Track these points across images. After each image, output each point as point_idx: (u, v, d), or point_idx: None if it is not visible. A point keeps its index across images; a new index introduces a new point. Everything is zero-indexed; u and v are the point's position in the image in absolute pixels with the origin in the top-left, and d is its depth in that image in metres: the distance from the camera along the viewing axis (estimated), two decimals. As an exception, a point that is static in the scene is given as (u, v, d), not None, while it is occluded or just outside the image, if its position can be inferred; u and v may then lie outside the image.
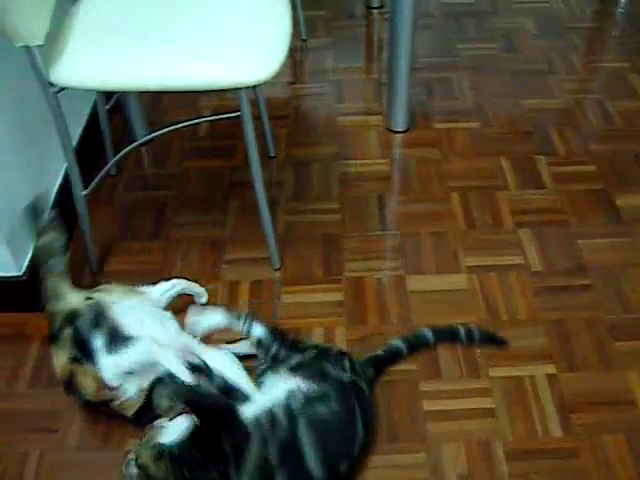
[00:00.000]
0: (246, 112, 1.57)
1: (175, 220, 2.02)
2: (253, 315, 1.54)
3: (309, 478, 1.33)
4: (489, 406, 1.57)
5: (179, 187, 2.13)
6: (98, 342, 1.48)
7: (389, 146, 2.26)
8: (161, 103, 2.44)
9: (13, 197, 1.73)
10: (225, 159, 2.22)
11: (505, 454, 1.49)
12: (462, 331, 1.67)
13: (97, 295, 1.57)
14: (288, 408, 1.35)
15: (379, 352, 1.62)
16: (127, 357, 1.46)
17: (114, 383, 1.48)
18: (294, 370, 1.43)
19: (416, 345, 1.65)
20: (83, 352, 1.49)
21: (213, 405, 1.37)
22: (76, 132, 2.07)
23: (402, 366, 1.64)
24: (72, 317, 1.53)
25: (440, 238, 1.94)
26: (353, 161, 2.20)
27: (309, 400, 1.37)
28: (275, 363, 1.47)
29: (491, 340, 1.68)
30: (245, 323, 1.51)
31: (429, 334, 1.66)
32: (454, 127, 2.32)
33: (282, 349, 1.49)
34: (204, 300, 1.78)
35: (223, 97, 2.43)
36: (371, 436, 1.47)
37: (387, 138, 2.29)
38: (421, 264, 1.87)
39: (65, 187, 1.94)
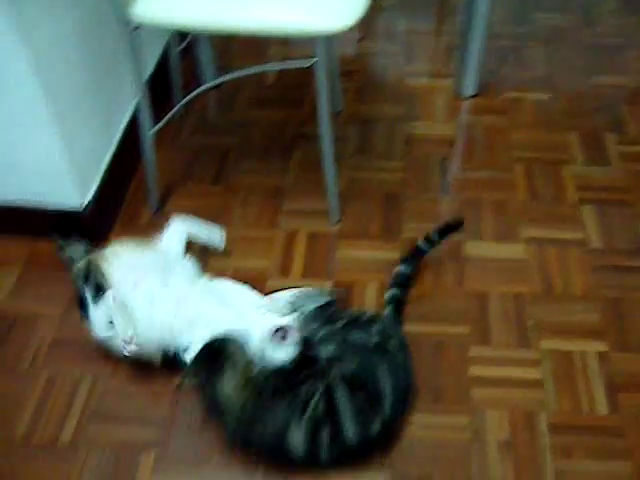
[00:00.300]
0: (321, 61, 1.56)
1: (237, 167, 2.04)
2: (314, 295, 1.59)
3: (343, 436, 1.36)
4: (536, 377, 1.56)
5: (243, 134, 2.14)
6: (88, 296, 1.54)
7: (456, 111, 2.24)
8: (231, 49, 2.45)
9: (84, 131, 1.76)
10: (291, 110, 2.22)
11: (548, 427, 1.48)
12: (422, 243, 1.73)
13: (104, 252, 1.60)
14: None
15: (394, 291, 1.65)
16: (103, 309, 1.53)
17: (103, 334, 1.55)
18: (321, 342, 1.46)
19: (404, 282, 1.69)
20: (82, 308, 1.57)
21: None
22: (146, 71, 2.08)
23: (452, 329, 1.64)
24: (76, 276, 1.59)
25: (500, 207, 1.92)
26: (419, 123, 2.18)
27: (335, 364, 1.41)
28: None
29: (447, 230, 1.73)
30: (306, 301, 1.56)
31: (403, 267, 1.70)
32: (523, 97, 2.28)
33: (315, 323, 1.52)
34: (221, 245, 1.75)
35: (293, 48, 2.43)
36: (404, 395, 1.48)
37: (454, 102, 2.26)
38: (479, 231, 1.86)
39: (131, 126, 1.96)
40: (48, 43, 1.55)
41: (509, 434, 1.47)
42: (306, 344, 1.43)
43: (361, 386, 1.40)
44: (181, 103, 1.83)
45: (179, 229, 1.69)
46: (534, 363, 1.59)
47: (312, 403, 1.35)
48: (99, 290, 1.54)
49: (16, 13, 1.42)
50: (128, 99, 1.98)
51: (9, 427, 1.53)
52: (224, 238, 1.74)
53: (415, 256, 1.72)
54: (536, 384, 1.55)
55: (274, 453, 1.40)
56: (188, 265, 1.64)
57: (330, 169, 1.77)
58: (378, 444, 1.44)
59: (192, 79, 2.22)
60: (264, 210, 1.91)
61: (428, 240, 1.72)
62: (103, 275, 1.54)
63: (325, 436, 1.35)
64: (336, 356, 1.42)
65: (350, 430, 1.36)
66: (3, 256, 1.86)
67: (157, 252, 1.63)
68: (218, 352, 1.43)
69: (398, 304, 1.65)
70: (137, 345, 1.51)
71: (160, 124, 1.78)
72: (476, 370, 1.58)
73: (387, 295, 1.66)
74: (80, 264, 1.59)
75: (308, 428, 1.35)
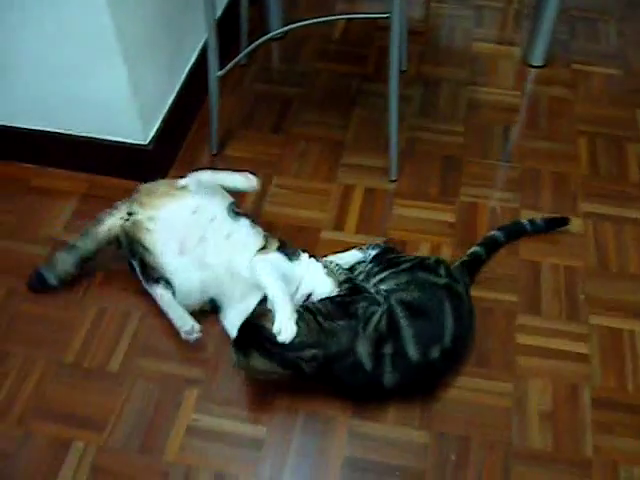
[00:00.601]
0: (396, 16, 1.54)
1: (298, 117, 2.03)
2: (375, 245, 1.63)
3: (405, 354, 1.39)
4: (583, 352, 1.55)
5: (306, 86, 2.14)
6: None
7: (522, 79, 2.20)
8: (299, 1, 2.43)
9: (151, 67, 1.77)
10: (355, 66, 2.20)
11: (592, 401, 1.48)
12: (527, 223, 1.73)
13: (135, 208, 1.58)
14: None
15: (465, 258, 1.65)
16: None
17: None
18: (382, 281, 1.49)
19: (491, 247, 1.70)
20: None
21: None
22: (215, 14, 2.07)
23: (502, 295, 1.64)
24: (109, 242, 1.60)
25: (560, 179, 1.90)
26: (484, 88, 2.16)
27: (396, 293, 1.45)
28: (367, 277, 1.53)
29: (554, 224, 1.74)
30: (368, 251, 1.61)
31: (499, 234, 1.71)
32: (593, 71, 2.24)
33: (376, 267, 1.53)
34: (252, 188, 1.62)
35: (360, 5, 2.40)
36: (465, 335, 1.50)
37: (522, 71, 2.23)
38: (537, 201, 1.84)
39: (197, 66, 1.97)
40: None
41: (551, 405, 1.47)
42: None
43: (422, 313, 1.42)
44: (248, 49, 1.83)
45: (204, 178, 1.60)
46: (582, 337, 1.58)
47: (374, 319, 1.39)
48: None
49: None
50: (196, 39, 1.99)
51: (61, 351, 1.57)
52: (256, 182, 1.61)
53: (514, 231, 1.74)
54: (582, 358, 1.54)
55: (348, 375, 1.41)
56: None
57: (394, 127, 1.76)
58: (438, 374, 1.47)
59: (259, 26, 2.22)
60: (322, 162, 1.91)
61: (533, 223, 1.74)
62: (144, 247, 1.53)
63: (388, 349, 1.38)
64: (398, 289, 1.45)
65: (411, 348, 1.39)
66: (62, 188, 1.89)
67: (196, 204, 1.56)
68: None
69: (474, 262, 1.66)
70: (200, 332, 1.53)
71: (227, 68, 1.79)
72: (523, 339, 1.57)
73: (469, 250, 1.67)
74: (119, 234, 1.58)
75: (372, 340, 1.38)
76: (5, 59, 1.70)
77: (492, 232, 1.72)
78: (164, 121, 1.84)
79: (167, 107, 1.86)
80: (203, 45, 2.00)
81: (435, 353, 1.41)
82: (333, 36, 2.31)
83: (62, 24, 1.57)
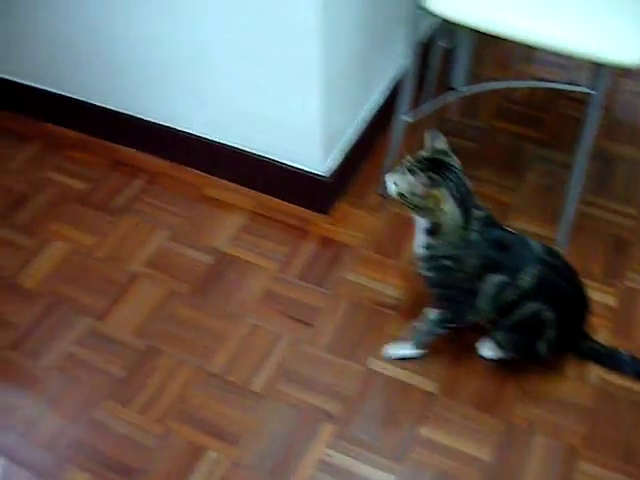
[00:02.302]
0: (600, 94, 1.52)
1: (470, 171, 2.00)
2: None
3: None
4: None
5: (481, 141, 2.13)
6: None
7: None
8: (490, 54, 2.42)
9: (343, 97, 1.81)
10: (533, 129, 2.18)
11: None
12: None
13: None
14: None
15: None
16: None
17: None
18: None
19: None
20: None
21: None
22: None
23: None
24: None
25: None
26: (667, 174, 2.08)
27: None
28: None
29: None
30: None
31: None
32: None
33: None
34: None
35: (546, 67, 2.38)
36: None
37: None
38: None
39: (381, 106, 2.01)
40: None
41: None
42: None
43: None
44: (436, 103, 1.84)
45: None
46: None
47: None
48: None
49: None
50: (385, 78, 2.02)
51: (209, 359, 1.62)
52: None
53: None
54: None
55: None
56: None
57: (572, 199, 1.73)
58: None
59: (443, 73, 2.21)
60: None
61: None
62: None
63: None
64: None
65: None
66: (232, 202, 1.96)
67: None
68: None
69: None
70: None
71: (415, 115, 1.80)
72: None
73: None
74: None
75: None
76: (205, 74, 1.79)
77: None
78: (344, 154, 1.87)
79: (349, 141, 1.90)
80: (390, 85, 2.03)
81: None
82: (515, 96, 2.30)
83: (268, 48, 1.64)
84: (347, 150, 1.89)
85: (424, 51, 2.10)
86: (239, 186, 1.99)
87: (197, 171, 2.04)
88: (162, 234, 1.89)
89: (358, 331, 1.66)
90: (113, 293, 1.76)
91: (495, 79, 2.30)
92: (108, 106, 2.05)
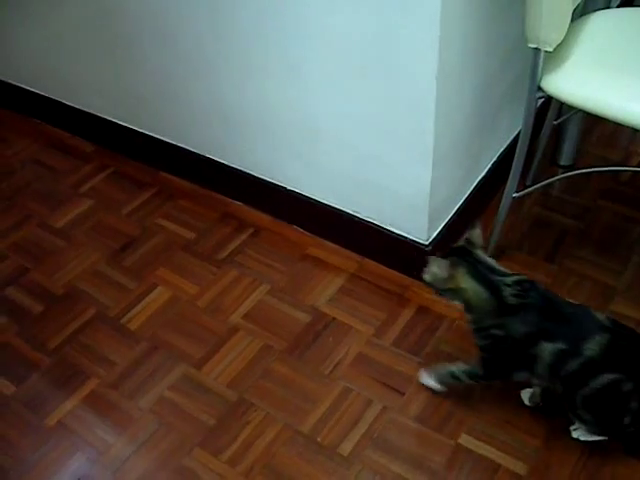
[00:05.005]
0: None
1: (573, 251, 2.00)
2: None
3: None
4: None
5: (586, 220, 2.10)
6: None
7: None
8: (598, 131, 2.41)
9: (452, 170, 1.83)
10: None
11: None
12: None
13: None
14: None
15: None
16: None
17: None
18: None
19: None
20: None
21: None
22: (511, 135, 2.12)
23: None
24: None
25: None
26: None
27: None
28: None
29: None
30: None
31: None
32: None
33: None
34: None
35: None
36: None
37: None
38: None
39: (487, 179, 2.02)
40: (452, 66, 1.59)
41: None
42: None
43: None
44: (545, 182, 1.85)
45: None
46: None
47: None
48: None
49: (440, 16, 1.43)
50: (496, 148, 2.03)
51: (300, 418, 1.64)
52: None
53: None
54: None
55: None
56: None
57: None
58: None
59: (549, 146, 2.20)
60: (589, 304, 1.85)
61: None
62: None
63: None
64: None
65: None
66: (334, 263, 1.99)
67: None
68: None
69: None
70: None
71: (524, 192, 1.81)
72: None
73: None
74: None
75: None
76: (317, 140, 1.85)
77: None
78: (446, 226, 1.89)
79: (453, 212, 1.92)
80: (498, 158, 2.04)
81: None
82: (622, 176, 2.27)
83: (387, 119, 1.67)
84: (451, 221, 1.91)
85: (533, 126, 2.11)
86: (341, 248, 2.02)
87: (301, 229, 2.09)
88: (262, 288, 1.94)
89: (450, 404, 1.65)
90: (211, 343, 1.81)
91: (603, 157, 2.28)
92: (221, 160, 2.14)
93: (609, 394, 1.41)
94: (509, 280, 1.43)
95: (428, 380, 1.65)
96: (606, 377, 1.39)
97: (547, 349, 1.40)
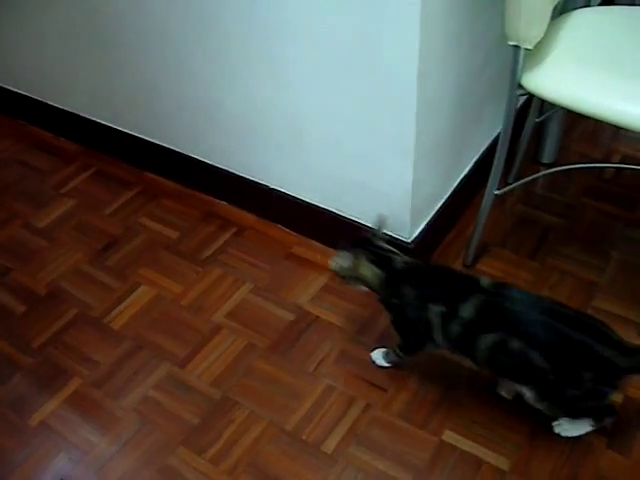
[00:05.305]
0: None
1: (556, 248, 2.02)
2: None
3: None
4: None
5: (568, 218, 2.11)
6: None
7: None
8: (581, 128, 2.42)
9: (433, 169, 1.84)
10: (622, 208, 2.15)
11: None
12: None
13: None
14: None
15: None
16: None
17: None
18: None
19: None
20: None
21: None
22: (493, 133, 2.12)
23: None
24: None
25: None
26: None
27: None
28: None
29: None
30: None
31: None
32: None
33: None
34: None
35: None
36: None
37: None
38: None
39: (469, 178, 2.03)
40: (433, 65, 1.60)
41: None
42: None
43: None
44: (526, 179, 1.86)
45: None
46: None
47: None
48: None
49: (420, 16, 1.44)
50: (474, 150, 2.04)
51: (283, 416, 1.64)
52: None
53: None
54: None
55: None
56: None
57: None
58: None
59: (531, 144, 2.21)
60: (572, 300, 1.87)
61: None
62: None
63: None
64: None
65: None
66: (317, 261, 2.00)
67: None
68: None
69: None
70: None
71: (505, 189, 1.81)
72: None
73: None
74: None
75: None
76: (301, 139, 1.86)
77: None
78: (429, 223, 1.89)
79: (435, 210, 1.92)
80: (480, 156, 2.05)
81: None
82: (605, 174, 2.28)
83: (369, 118, 1.68)
84: (433, 219, 1.91)
85: (515, 124, 2.12)
86: (325, 247, 2.02)
87: (286, 228, 2.09)
88: (246, 287, 1.94)
89: (433, 401, 1.66)
90: (195, 342, 1.81)
91: (585, 154, 2.30)
92: (206, 160, 2.14)
93: (506, 355, 1.41)
94: (403, 258, 1.56)
95: (381, 361, 1.72)
96: (489, 337, 1.41)
97: (434, 311, 1.46)
